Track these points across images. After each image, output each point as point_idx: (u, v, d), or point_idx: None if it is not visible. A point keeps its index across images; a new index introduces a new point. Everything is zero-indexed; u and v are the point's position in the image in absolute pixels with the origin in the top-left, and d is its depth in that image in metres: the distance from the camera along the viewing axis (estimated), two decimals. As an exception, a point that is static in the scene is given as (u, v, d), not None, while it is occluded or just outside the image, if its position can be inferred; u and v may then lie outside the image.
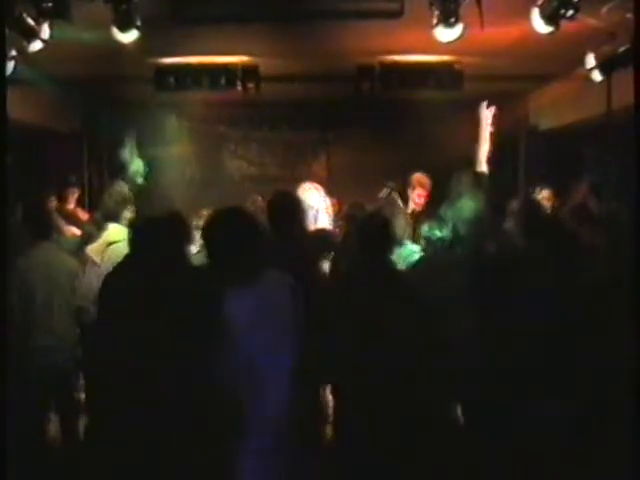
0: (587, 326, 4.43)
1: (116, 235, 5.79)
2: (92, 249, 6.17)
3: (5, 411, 3.58)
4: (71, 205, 8.72)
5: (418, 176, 7.57)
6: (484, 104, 7.73)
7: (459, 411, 4.96)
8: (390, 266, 4.60)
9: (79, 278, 5.69)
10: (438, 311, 4.55)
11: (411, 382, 4.18)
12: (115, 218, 5.97)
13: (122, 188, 6.59)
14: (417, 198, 7.47)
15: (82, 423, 5.65)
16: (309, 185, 7.78)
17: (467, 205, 7.47)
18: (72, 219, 8.13)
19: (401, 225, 6.93)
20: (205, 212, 6.75)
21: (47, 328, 5.41)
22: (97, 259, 5.92)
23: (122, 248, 5.29)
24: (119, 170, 9.86)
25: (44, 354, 5.36)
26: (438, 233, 5.94)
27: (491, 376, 4.51)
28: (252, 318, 3.56)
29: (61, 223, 7.58)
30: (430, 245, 5.79)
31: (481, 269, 5.12)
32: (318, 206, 7.42)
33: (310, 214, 6.79)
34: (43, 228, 5.71)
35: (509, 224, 6.22)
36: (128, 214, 6.03)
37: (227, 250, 3.64)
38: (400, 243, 6.49)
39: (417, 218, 7.09)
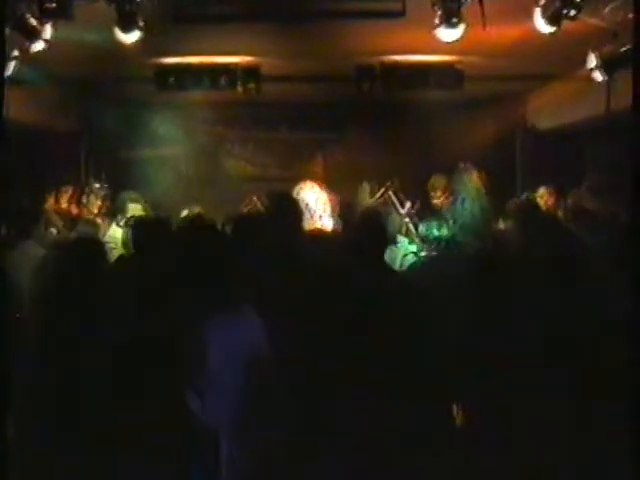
0: (587, 326, 4.44)
1: (111, 235, 5.84)
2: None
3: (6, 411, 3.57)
4: (69, 204, 8.70)
5: (432, 180, 7.63)
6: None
7: (460, 413, 4.93)
8: (386, 265, 4.60)
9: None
10: (435, 310, 4.55)
11: (412, 382, 4.18)
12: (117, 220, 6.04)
13: (130, 193, 6.64)
14: (434, 200, 7.52)
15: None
16: (307, 184, 7.77)
17: (466, 204, 7.49)
18: (69, 218, 8.13)
19: (396, 224, 6.95)
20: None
21: None
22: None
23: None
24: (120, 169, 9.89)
25: None
26: (436, 232, 5.94)
27: (491, 377, 4.50)
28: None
29: (58, 223, 7.59)
30: (428, 244, 5.79)
31: (479, 269, 5.11)
32: (317, 204, 7.42)
33: (308, 213, 6.79)
34: (27, 226, 5.72)
35: (507, 224, 6.23)
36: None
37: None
38: (395, 242, 6.51)
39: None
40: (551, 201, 7.55)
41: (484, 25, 5.32)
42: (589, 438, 4.15)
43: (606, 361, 4.27)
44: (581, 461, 4.14)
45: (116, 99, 9.33)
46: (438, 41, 5.69)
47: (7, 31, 4.94)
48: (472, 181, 7.72)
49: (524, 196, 7.65)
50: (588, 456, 4.12)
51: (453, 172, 7.78)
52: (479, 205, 7.56)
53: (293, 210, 5.15)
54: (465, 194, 7.62)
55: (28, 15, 5.10)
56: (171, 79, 7.79)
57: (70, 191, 8.74)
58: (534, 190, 7.79)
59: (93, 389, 3.57)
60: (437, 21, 5.48)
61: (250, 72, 7.86)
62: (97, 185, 8.08)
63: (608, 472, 3.99)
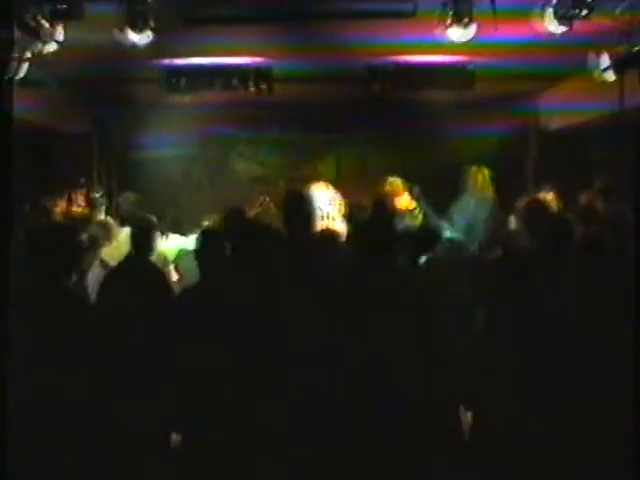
0: (595, 327, 4.44)
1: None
2: (105, 252, 6.25)
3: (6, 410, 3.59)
4: (80, 207, 8.73)
5: (388, 186, 7.59)
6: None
7: (468, 417, 4.93)
8: (396, 267, 4.60)
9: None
10: (446, 313, 4.55)
11: (417, 385, 4.18)
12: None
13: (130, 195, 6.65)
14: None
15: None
16: (319, 184, 7.77)
17: (477, 206, 7.47)
18: (81, 220, 8.16)
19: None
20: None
21: None
22: (110, 261, 5.98)
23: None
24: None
25: None
26: (448, 233, 5.93)
27: (503, 380, 4.49)
28: None
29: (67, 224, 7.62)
30: (440, 245, 5.78)
31: (490, 269, 5.11)
32: (328, 205, 7.43)
33: (320, 213, 6.80)
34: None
35: (517, 224, 6.22)
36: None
37: None
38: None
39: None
40: (561, 201, 7.52)
41: (495, 25, 5.32)
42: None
43: (613, 357, 4.29)
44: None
45: (127, 101, 9.35)
46: (448, 41, 5.69)
47: (18, 33, 4.99)
48: (483, 182, 7.71)
49: (532, 195, 7.62)
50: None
51: (463, 173, 7.77)
52: (490, 206, 7.54)
53: (312, 208, 5.17)
54: (476, 196, 7.61)
55: (39, 17, 5.11)
56: (183, 80, 7.79)
57: (83, 193, 8.81)
58: (543, 190, 7.77)
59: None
60: (448, 21, 5.49)
61: (261, 73, 7.85)
62: (98, 194, 8.22)
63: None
